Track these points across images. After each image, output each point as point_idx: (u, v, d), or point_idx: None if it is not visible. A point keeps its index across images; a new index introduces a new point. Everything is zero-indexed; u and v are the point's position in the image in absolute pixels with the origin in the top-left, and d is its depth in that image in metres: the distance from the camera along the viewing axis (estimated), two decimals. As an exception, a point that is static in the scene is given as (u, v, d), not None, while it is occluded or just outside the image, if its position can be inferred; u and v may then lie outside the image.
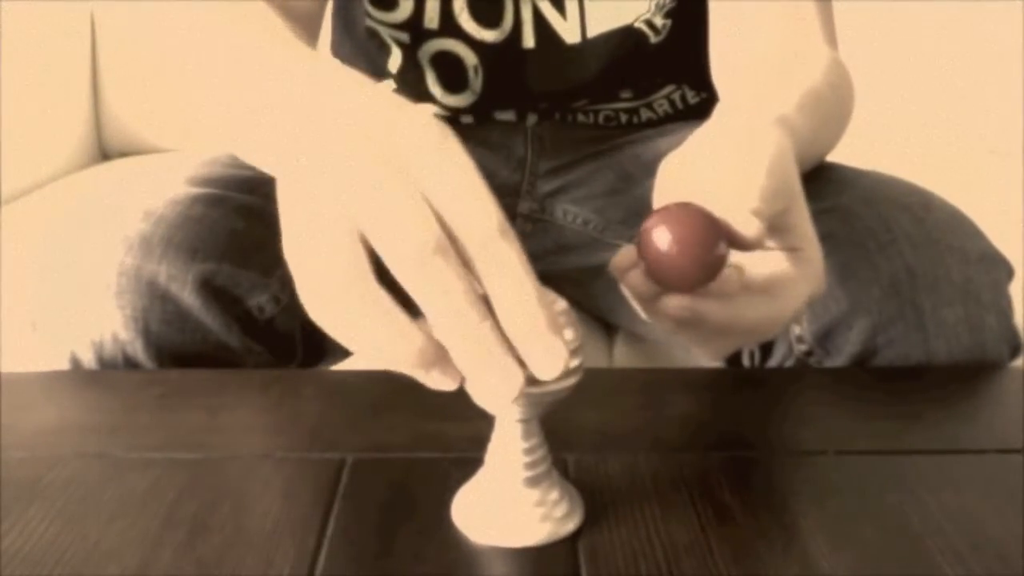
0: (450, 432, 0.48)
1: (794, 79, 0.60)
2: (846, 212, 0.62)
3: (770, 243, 0.47)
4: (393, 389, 0.54)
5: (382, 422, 0.50)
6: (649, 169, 0.61)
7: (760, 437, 0.49)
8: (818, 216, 0.63)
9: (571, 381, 0.38)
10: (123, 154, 1.60)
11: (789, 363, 0.62)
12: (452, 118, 0.87)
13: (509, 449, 0.40)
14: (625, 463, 0.46)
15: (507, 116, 0.85)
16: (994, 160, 1.48)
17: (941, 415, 0.52)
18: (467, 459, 0.43)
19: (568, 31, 0.79)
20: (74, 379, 0.59)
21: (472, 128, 0.86)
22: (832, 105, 0.63)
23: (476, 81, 0.82)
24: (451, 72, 0.82)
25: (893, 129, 1.49)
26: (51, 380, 0.58)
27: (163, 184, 0.63)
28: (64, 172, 1.49)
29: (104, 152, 1.61)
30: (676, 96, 0.88)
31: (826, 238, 0.61)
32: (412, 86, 0.84)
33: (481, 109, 0.84)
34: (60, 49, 1.52)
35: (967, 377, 0.57)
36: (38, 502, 0.43)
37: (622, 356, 0.93)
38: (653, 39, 0.80)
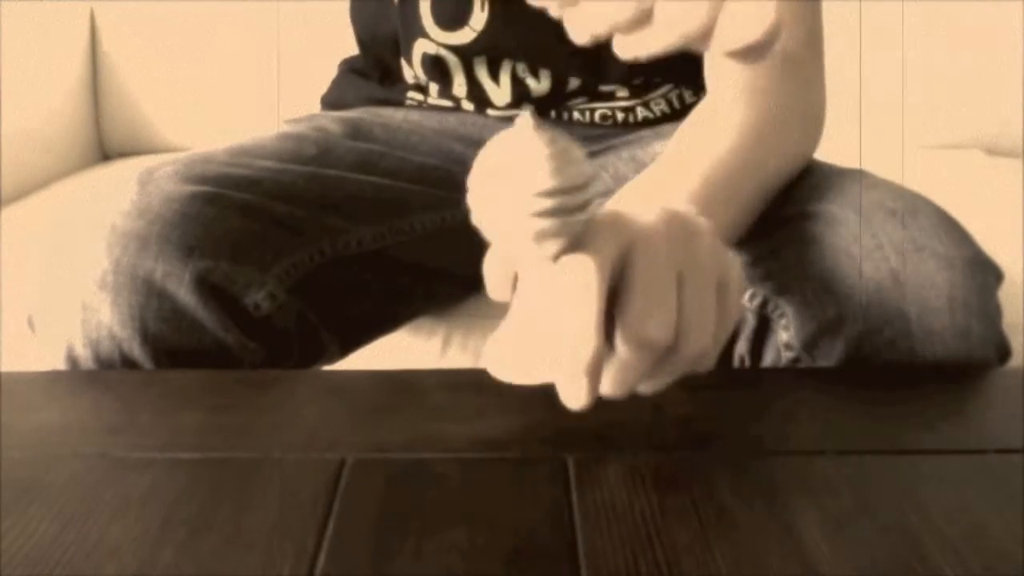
0: (450, 432, 0.48)
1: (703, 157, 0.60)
2: (831, 218, 0.62)
3: None
4: (393, 389, 0.54)
5: (382, 422, 0.50)
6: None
7: (760, 437, 0.48)
8: (803, 221, 0.63)
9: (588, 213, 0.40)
10: (123, 154, 1.60)
11: None
12: (449, 108, 0.87)
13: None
14: (625, 463, 0.46)
15: (503, 98, 0.85)
16: (993, 160, 1.48)
17: (941, 415, 0.52)
18: (467, 459, 0.43)
19: None
20: (74, 379, 0.59)
21: (469, 125, 0.86)
22: (750, 166, 0.62)
23: (480, 16, 0.82)
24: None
25: (888, 127, 1.49)
26: (51, 380, 0.58)
27: (160, 182, 0.63)
28: (64, 172, 1.49)
29: (104, 152, 1.61)
30: (673, 96, 0.88)
31: (811, 244, 0.61)
32: (410, 19, 0.83)
33: (477, 50, 0.84)
34: (60, 49, 1.51)
35: (967, 377, 0.57)
36: (38, 502, 0.43)
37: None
38: None
